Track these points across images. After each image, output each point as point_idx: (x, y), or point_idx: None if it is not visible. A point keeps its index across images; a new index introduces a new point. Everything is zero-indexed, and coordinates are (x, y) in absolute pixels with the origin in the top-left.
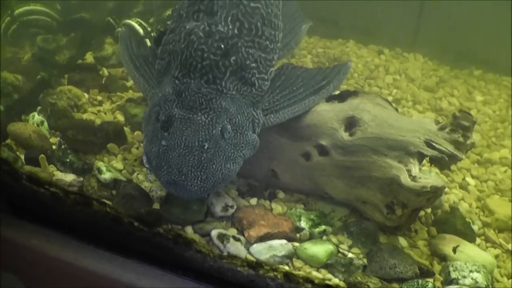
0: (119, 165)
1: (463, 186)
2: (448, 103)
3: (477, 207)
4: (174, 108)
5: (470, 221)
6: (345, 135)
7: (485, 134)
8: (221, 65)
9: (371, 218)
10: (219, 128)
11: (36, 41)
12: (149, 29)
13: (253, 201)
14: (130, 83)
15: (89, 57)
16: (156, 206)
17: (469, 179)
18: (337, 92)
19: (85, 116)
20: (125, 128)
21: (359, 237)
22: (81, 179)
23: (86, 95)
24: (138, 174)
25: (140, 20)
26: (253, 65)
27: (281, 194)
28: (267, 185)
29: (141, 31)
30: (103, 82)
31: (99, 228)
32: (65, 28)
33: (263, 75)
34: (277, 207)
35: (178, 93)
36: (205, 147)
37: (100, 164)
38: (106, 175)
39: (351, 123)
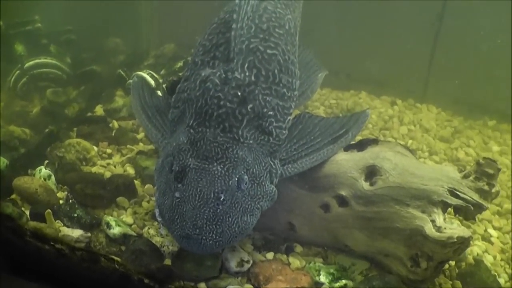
0: (129, 220)
1: (486, 238)
2: (464, 153)
3: (501, 260)
4: (189, 158)
5: (496, 274)
6: (365, 185)
7: (504, 185)
8: (237, 113)
9: (394, 271)
10: (236, 179)
11: (45, 94)
12: (160, 80)
13: (270, 255)
14: (140, 135)
15: (99, 110)
16: (168, 262)
17: (491, 231)
18: (355, 141)
19: (94, 169)
20: (135, 181)
21: None
22: (89, 234)
23: (95, 148)
24: (149, 228)
25: (151, 72)
26: (271, 113)
27: (298, 248)
28: (284, 238)
29: (152, 82)
30: (113, 134)
31: (108, 287)
32: (75, 81)
33: (281, 124)
34: (295, 262)
35: (193, 143)
36: (221, 199)
37: (109, 218)
38: (115, 230)
39: (371, 172)
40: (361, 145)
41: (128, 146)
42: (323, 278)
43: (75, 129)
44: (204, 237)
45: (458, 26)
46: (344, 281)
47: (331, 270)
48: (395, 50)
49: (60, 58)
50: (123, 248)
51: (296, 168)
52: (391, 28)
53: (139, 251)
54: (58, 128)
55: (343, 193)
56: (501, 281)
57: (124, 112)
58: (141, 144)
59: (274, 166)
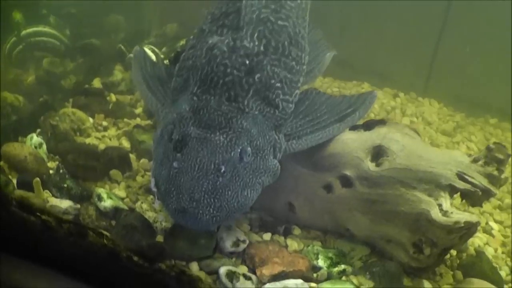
0: (122, 193)
1: (487, 231)
2: (466, 147)
3: (502, 253)
4: (190, 127)
5: (497, 266)
6: (371, 166)
7: None
8: (244, 82)
9: (395, 258)
10: (239, 150)
11: (41, 64)
12: (162, 56)
13: (267, 236)
14: (138, 110)
15: (97, 83)
16: (160, 239)
17: (492, 224)
18: (361, 122)
19: (88, 140)
20: (130, 155)
21: (381, 279)
22: (78, 206)
23: (91, 119)
24: (142, 203)
25: (153, 47)
26: (278, 85)
27: (297, 230)
28: (282, 219)
29: (153, 57)
30: (110, 107)
31: (94, 264)
32: (73, 53)
33: (288, 97)
34: (293, 244)
35: (195, 111)
36: (222, 171)
37: (100, 190)
38: (107, 203)
39: (378, 153)
40: (368, 126)
41: (125, 119)
42: (321, 262)
43: (70, 100)
44: (201, 212)
45: (462, 23)
46: (343, 266)
47: (330, 255)
48: (399, 45)
49: (59, 29)
50: (113, 223)
51: (301, 145)
52: (396, 23)
53: (130, 226)
54: (53, 98)
55: (348, 173)
56: (502, 273)
57: (122, 87)
58: (138, 119)
59: (278, 141)
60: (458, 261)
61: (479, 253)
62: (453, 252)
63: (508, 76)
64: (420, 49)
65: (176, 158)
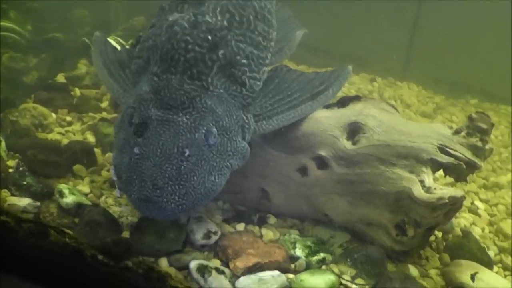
0: (85, 189)
1: (473, 210)
2: None
3: (490, 232)
4: (151, 108)
5: (485, 246)
6: (347, 144)
7: (489, 159)
8: (207, 59)
9: (377, 242)
10: (203, 132)
11: (1, 60)
12: (127, 47)
13: (240, 226)
14: (104, 104)
15: (61, 78)
16: (126, 234)
17: (478, 203)
18: (335, 99)
19: (50, 136)
20: (95, 149)
21: (363, 266)
22: (38, 203)
23: (53, 115)
24: (106, 197)
25: (117, 38)
26: (244, 61)
27: (272, 219)
28: (256, 208)
29: (118, 47)
30: (74, 102)
31: (57, 265)
32: (36, 48)
33: (255, 74)
34: (268, 233)
35: (156, 91)
36: (186, 154)
37: (62, 186)
38: (69, 199)
39: (354, 130)
40: (343, 103)
41: (90, 114)
42: (299, 252)
43: (32, 96)
44: (165, 200)
45: (438, 6)
46: (322, 255)
47: (308, 243)
48: (375, 29)
49: (20, 24)
50: (76, 220)
51: (271, 125)
52: (372, 7)
53: (94, 222)
54: (14, 94)
55: (323, 153)
56: (491, 253)
57: (87, 81)
58: (104, 113)
59: (247, 121)
60: (444, 243)
61: (466, 233)
62: (439, 234)
63: (490, 57)
64: (397, 33)
65: (137, 143)
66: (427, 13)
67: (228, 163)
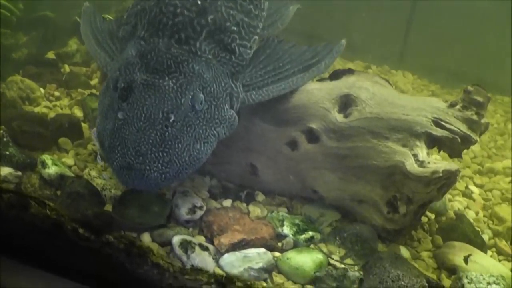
0: (70, 161)
1: (467, 195)
2: None
3: (484, 216)
4: (136, 72)
5: (479, 230)
6: (339, 117)
7: (484, 145)
8: (196, 23)
9: (368, 221)
10: (190, 97)
11: None
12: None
13: (227, 203)
14: (94, 81)
15: (51, 56)
16: (109, 208)
17: (472, 187)
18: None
19: (37, 109)
20: (83, 124)
21: (353, 246)
22: (19, 173)
23: (42, 90)
24: (90, 170)
25: (109, 16)
26: (234, 28)
27: (260, 196)
28: (244, 185)
29: None
30: (63, 78)
31: (36, 239)
32: (26, 26)
33: (245, 42)
34: (256, 210)
35: (142, 55)
36: (171, 120)
37: (45, 157)
38: (51, 170)
39: (346, 103)
40: (335, 76)
41: (79, 89)
42: (286, 230)
43: (21, 71)
44: (147, 167)
45: None
46: (310, 233)
47: (296, 221)
48: (371, 17)
49: (12, 2)
50: (59, 193)
51: (261, 95)
52: None
53: (76, 194)
54: (3, 69)
55: (314, 126)
56: (485, 237)
57: (78, 58)
58: (94, 90)
59: (235, 89)
60: (437, 226)
61: (460, 216)
62: (431, 216)
63: (486, 47)
64: (393, 21)
65: (121, 108)
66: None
67: (214, 131)
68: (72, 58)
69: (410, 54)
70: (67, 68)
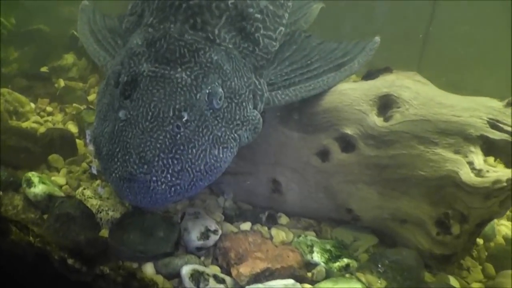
0: (61, 181)
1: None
2: None
3: None
4: (143, 64)
5: None
6: (378, 120)
7: None
8: (214, 7)
9: (412, 245)
10: (207, 92)
11: None
12: None
13: (245, 226)
14: (92, 96)
15: (44, 69)
16: (105, 233)
17: None
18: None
19: (26, 124)
20: (77, 140)
21: (395, 275)
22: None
23: (32, 104)
24: (84, 189)
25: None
26: (258, 16)
27: (284, 219)
28: (264, 205)
29: None
30: (57, 93)
31: (17, 271)
32: (18, 41)
33: (270, 33)
34: (279, 234)
35: (150, 43)
36: (184, 119)
37: (31, 174)
38: (37, 189)
39: (386, 104)
40: (370, 75)
41: (74, 104)
42: (317, 257)
43: (9, 86)
44: (154, 178)
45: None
46: (345, 260)
47: (328, 246)
48: (388, 32)
49: (4, 17)
50: (46, 216)
51: (288, 96)
52: (386, 10)
53: (65, 216)
54: None
55: (349, 131)
56: None
57: (74, 73)
58: (91, 106)
59: (259, 87)
60: (486, 252)
61: (510, 241)
62: (480, 241)
63: (501, 63)
64: (410, 37)
65: (123, 106)
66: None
67: (235, 135)
68: (68, 73)
69: (426, 72)
70: (61, 82)
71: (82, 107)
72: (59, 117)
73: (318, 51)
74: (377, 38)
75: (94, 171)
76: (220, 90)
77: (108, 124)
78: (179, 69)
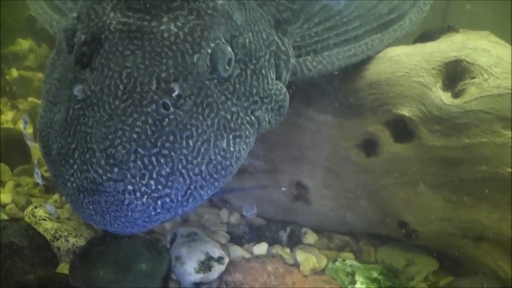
0: (5, 198)
1: None
2: None
3: None
4: (109, 13)
5: None
6: (445, 96)
7: None
8: None
9: (490, 271)
10: (208, 52)
11: None
12: None
13: (260, 249)
14: None
15: None
16: (64, 268)
17: None
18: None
19: None
20: (31, 143)
21: None
22: None
23: None
24: (35, 208)
25: None
26: None
27: (311, 237)
28: (283, 218)
29: None
30: (8, 87)
31: None
32: None
33: None
34: (309, 259)
35: None
36: (174, 94)
37: None
38: None
39: (455, 74)
40: (429, 36)
41: (29, 99)
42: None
43: None
44: (130, 187)
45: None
46: None
47: (374, 274)
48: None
49: None
50: None
51: (321, 64)
52: None
53: (9, 247)
54: None
55: (405, 113)
56: None
57: (31, 61)
58: None
59: (283, 48)
60: None
61: None
62: None
63: None
64: None
65: (80, 78)
66: None
67: (252, 117)
68: (24, 61)
69: None
70: (14, 72)
71: (39, 102)
72: (9, 115)
73: (356, 6)
74: None
75: (39, 180)
76: (229, 49)
77: (59, 108)
78: (165, 19)
